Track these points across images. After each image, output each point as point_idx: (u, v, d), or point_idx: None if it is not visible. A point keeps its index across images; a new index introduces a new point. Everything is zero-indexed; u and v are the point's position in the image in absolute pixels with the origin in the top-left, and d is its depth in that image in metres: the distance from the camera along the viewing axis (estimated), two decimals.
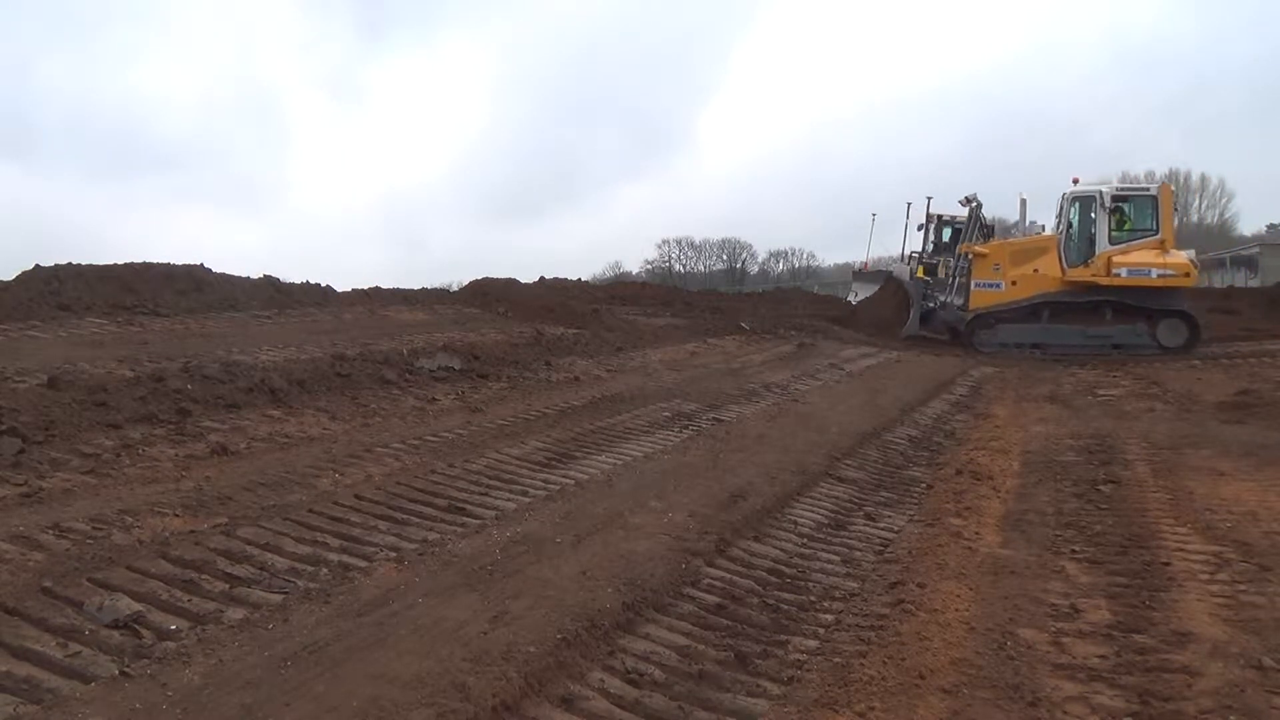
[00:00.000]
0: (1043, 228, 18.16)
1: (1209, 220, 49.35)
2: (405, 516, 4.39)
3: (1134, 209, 16.91)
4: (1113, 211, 16.58)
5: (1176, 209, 24.72)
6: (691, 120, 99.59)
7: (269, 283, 12.52)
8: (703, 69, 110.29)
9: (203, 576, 3.46)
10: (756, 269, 58.46)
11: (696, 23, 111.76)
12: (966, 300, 17.02)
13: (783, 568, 4.15)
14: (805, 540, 4.58)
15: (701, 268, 58.14)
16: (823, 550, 4.45)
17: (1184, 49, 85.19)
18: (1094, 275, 16.45)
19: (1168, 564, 4.20)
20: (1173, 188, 17.62)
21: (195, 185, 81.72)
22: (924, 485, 5.92)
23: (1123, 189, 17.22)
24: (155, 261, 11.53)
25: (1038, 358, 15.87)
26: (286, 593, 3.36)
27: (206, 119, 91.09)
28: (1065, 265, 16.77)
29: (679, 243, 58.15)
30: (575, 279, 22.46)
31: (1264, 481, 5.75)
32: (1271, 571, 4.07)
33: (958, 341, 17.23)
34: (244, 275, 12.47)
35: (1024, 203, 18.23)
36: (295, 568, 3.64)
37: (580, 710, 2.74)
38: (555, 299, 15.93)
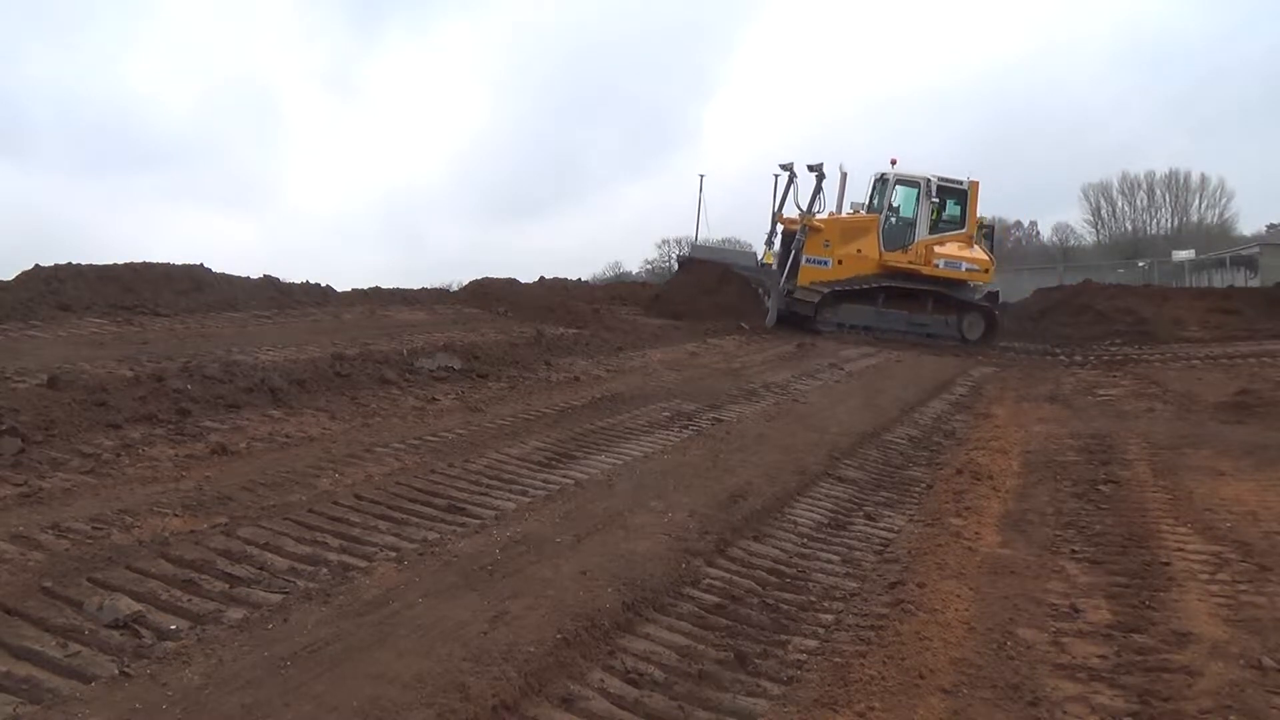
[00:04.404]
0: (862, 207, 17.81)
1: (1209, 220, 49.30)
2: (405, 516, 4.39)
3: (949, 201, 17.04)
4: (931, 200, 16.68)
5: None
6: (693, 119, 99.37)
7: (269, 283, 12.51)
8: (705, 67, 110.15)
9: (203, 576, 3.46)
10: None
11: (699, 20, 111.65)
12: (797, 276, 16.47)
13: (782, 568, 4.15)
14: (805, 540, 4.58)
15: None
16: (822, 550, 4.45)
17: (1194, 45, 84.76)
18: (911, 262, 16.60)
19: (1168, 564, 4.20)
20: (979, 181, 17.39)
21: (192, 182, 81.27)
22: (924, 485, 5.92)
23: (943, 180, 17.06)
24: (155, 261, 11.52)
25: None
26: (286, 593, 3.36)
27: (202, 115, 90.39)
28: (883, 249, 16.69)
29: (679, 243, 58.03)
30: (575, 279, 22.44)
31: (1264, 481, 5.75)
32: (1271, 571, 4.07)
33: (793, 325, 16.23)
34: (244, 275, 12.47)
35: (844, 177, 17.54)
36: (295, 568, 3.64)
37: (580, 710, 2.74)
38: (555, 299, 15.92)
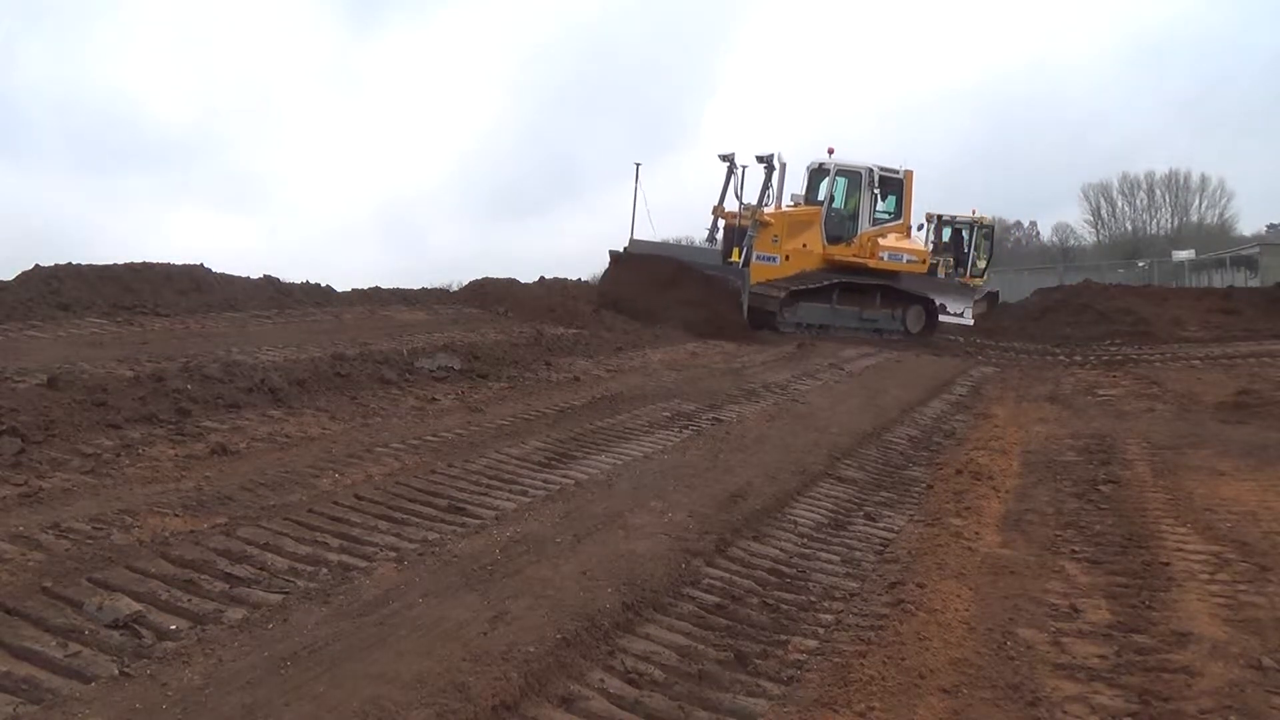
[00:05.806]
0: (801, 199, 17.27)
1: (1209, 220, 49.30)
2: (405, 516, 4.39)
3: (888, 191, 16.76)
4: (874, 191, 16.37)
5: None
6: (695, 119, 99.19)
7: (269, 283, 12.51)
8: (707, 65, 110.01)
9: (203, 576, 3.46)
10: None
11: (700, 18, 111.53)
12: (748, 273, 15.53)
13: (782, 568, 4.15)
14: (805, 540, 4.58)
15: None
16: (822, 550, 4.45)
17: (1197, 48, 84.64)
18: (856, 255, 16.26)
19: (1168, 564, 4.20)
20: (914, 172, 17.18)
21: (192, 182, 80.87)
22: (924, 485, 5.92)
23: (883, 170, 16.64)
24: (155, 261, 11.51)
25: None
26: (286, 593, 3.36)
27: (201, 113, 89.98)
28: (826, 242, 16.26)
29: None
30: (576, 279, 22.38)
31: (1264, 481, 5.75)
32: (1271, 571, 4.07)
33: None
34: (244, 275, 12.46)
35: (783, 167, 16.22)
36: (295, 568, 3.64)
37: (580, 710, 2.74)
38: (555, 299, 15.89)
